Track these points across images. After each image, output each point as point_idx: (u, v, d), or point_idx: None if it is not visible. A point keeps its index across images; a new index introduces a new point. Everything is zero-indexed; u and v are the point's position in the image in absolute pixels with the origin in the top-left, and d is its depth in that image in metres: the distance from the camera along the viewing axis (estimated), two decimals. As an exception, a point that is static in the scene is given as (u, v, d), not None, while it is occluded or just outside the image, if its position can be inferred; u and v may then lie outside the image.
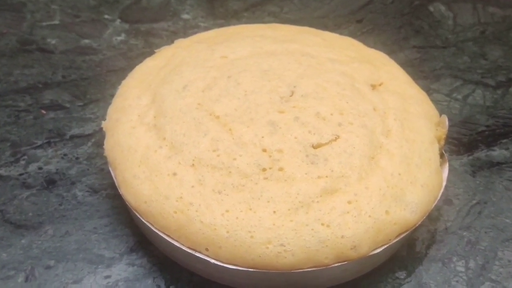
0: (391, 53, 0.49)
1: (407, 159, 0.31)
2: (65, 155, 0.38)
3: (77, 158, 0.38)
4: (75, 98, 0.43)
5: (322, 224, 0.27)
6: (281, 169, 0.29)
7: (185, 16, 0.53)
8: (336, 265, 0.28)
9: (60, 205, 0.35)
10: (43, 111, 0.41)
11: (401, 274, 0.32)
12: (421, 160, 0.31)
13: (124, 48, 0.49)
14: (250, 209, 0.28)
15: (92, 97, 0.43)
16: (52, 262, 0.32)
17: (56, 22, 0.52)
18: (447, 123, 0.33)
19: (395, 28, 0.53)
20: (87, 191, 0.36)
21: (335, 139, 0.31)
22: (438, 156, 0.32)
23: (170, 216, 0.28)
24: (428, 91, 0.45)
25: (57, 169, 0.37)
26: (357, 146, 0.30)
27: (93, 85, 0.44)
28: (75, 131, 0.40)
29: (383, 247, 0.28)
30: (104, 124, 0.34)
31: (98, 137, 0.40)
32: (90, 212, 0.35)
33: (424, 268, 0.33)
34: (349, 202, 0.28)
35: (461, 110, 0.43)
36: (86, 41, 0.49)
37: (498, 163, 0.39)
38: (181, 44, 0.40)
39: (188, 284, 0.31)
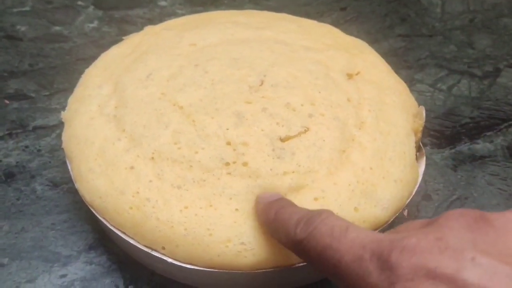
0: (374, 42, 0.47)
1: (380, 152, 0.29)
2: (26, 147, 0.36)
3: (39, 151, 0.36)
4: (41, 87, 0.41)
5: (286, 222, 0.26)
6: (245, 164, 0.27)
7: (162, 3, 0.51)
8: (300, 265, 0.26)
9: (18, 199, 0.33)
10: (6, 101, 0.40)
11: (374, 274, 0.31)
12: (395, 154, 0.29)
13: (96, 35, 0.47)
14: (211, 206, 0.26)
15: (59, 86, 0.42)
16: (5, 260, 0.30)
17: (27, 8, 0.50)
18: (424, 114, 0.31)
19: (380, 16, 0.51)
20: (47, 185, 0.34)
21: (305, 132, 0.29)
22: (414, 150, 0.30)
23: (126, 212, 0.27)
24: (412, 81, 0.43)
25: (17, 162, 0.35)
26: (327, 139, 0.29)
27: (61, 74, 0.43)
28: (39, 122, 0.38)
29: (351, 246, 0.27)
30: (63, 115, 0.32)
31: (62, 129, 0.38)
32: (49, 207, 0.33)
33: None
34: (316, 199, 0.26)
35: (445, 101, 0.41)
36: (57, 28, 0.47)
37: (481, 157, 0.37)
38: (150, 31, 0.38)
39: (148, 284, 0.29)
